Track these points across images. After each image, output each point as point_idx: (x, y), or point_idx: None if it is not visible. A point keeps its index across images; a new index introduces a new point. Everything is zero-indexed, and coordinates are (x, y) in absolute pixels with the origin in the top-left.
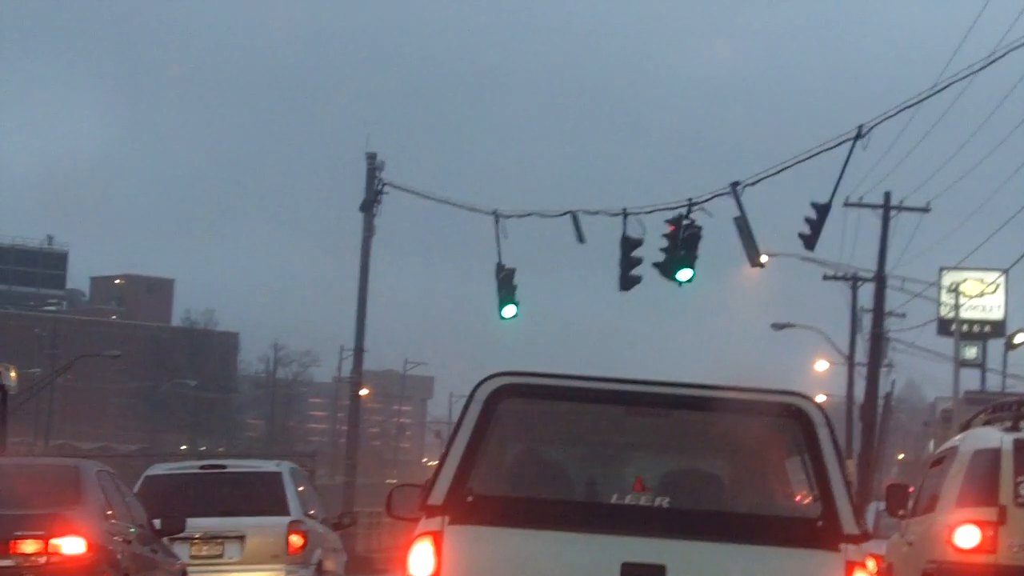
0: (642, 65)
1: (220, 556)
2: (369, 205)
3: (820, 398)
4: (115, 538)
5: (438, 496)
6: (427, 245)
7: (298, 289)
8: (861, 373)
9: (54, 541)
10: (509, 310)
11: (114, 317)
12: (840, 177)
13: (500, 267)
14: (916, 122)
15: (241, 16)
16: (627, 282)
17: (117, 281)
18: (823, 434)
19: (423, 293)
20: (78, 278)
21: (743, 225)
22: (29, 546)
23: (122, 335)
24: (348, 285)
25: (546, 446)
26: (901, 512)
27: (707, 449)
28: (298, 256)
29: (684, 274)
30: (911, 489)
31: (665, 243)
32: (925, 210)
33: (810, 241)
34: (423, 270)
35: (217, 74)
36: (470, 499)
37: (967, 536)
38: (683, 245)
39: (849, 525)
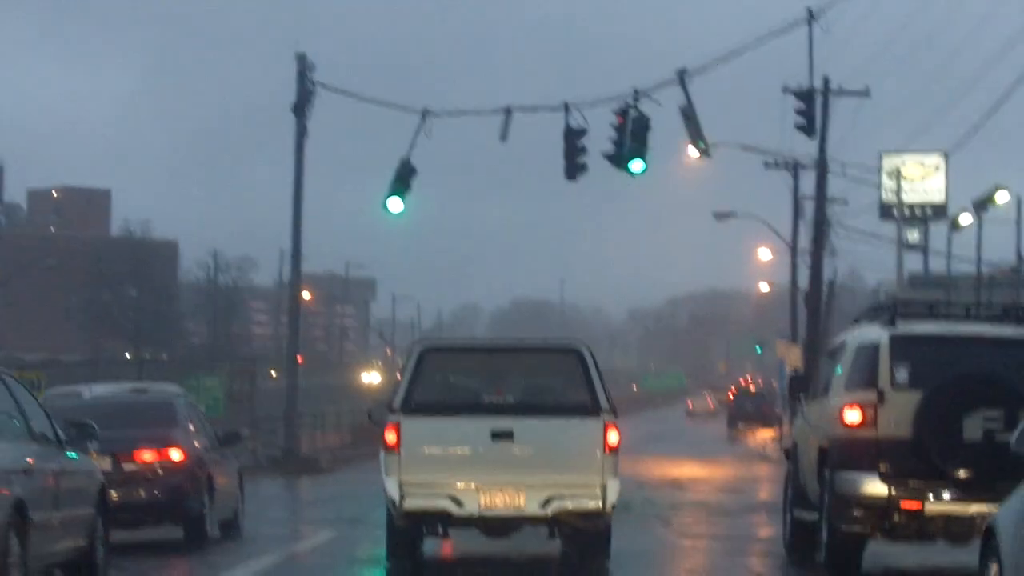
0: None
1: None
2: (301, 107)
3: (763, 286)
4: (198, 447)
5: (396, 404)
6: (363, 147)
7: (236, 195)
8: (805, 261)
9: (164, 451)
10: (395, 203)
11: (52, 229)
12: (811, 58)
13: (404, 162)
14: (856, 5)
15: None
16: (573, 171)
17: (54, 193)
18: (589, 362)
19: (364, 196)
20: (15, 191)
21: (690, 113)
22: (148, 455)
23: (61, 247)
24: (286, 189)
25: (451, 375)
26: (801, 395)
27: (534, 372)
28: (234, 162)
29: (636, 165)
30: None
31: (613, 135)
32: (864, 94)
33: (809, 128)
34: (362, 172)
35: None
36: (412, 405)
37: (853, 415)
38: (633, 136)
39: (605, 406)
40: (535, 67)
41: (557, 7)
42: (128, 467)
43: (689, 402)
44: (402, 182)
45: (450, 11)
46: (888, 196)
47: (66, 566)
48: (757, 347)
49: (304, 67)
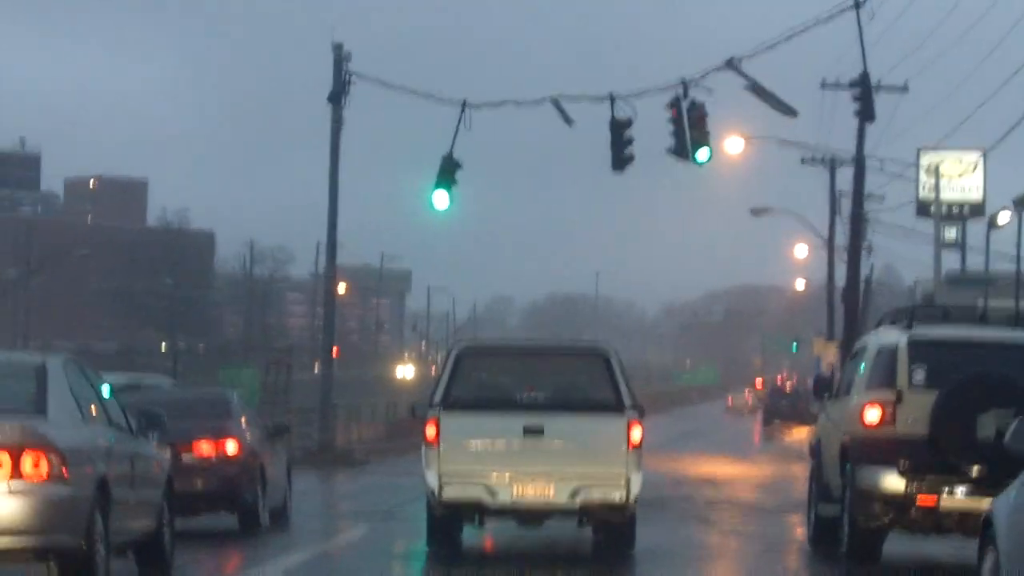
0: None
1: None
2: (337, 96)
3: (799, 283)
4: (251, 440)
5: (436, 400)
6: (401, 137)
7: (273, 185)
8: (841, 257)
9: (221, 443)
10: (440, 199)
11: (89, 219)
12: (862, 47)
13: (447, 157)
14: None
15: None
16: (619, 162)
17: (91, 183)
18: (614, 363)
19: (401, 187)
20: (52, 180)
21: (760, 89)
22: (206, 447)
23: (97, 236)
24: (323, 180)
25: (486, 374)
26: (826, 395)
27: (563, 373)
28: (273, 152)
29: (703, 153)
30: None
31: (667, 127)
32: (903, 89)
33: (868, 113)
34: (399, 163)
35: None
36: (451, 401)
37: (873, 413)
38: (693, 124)
39: (628, 404)
40: (572, 60)
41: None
42: (187, 458)
43: (729, 398)
44: (446, 177)
45: (488, 3)
46: (925, 193)
47: (137, 546)
48: (793, 344)
49: (340, 56)
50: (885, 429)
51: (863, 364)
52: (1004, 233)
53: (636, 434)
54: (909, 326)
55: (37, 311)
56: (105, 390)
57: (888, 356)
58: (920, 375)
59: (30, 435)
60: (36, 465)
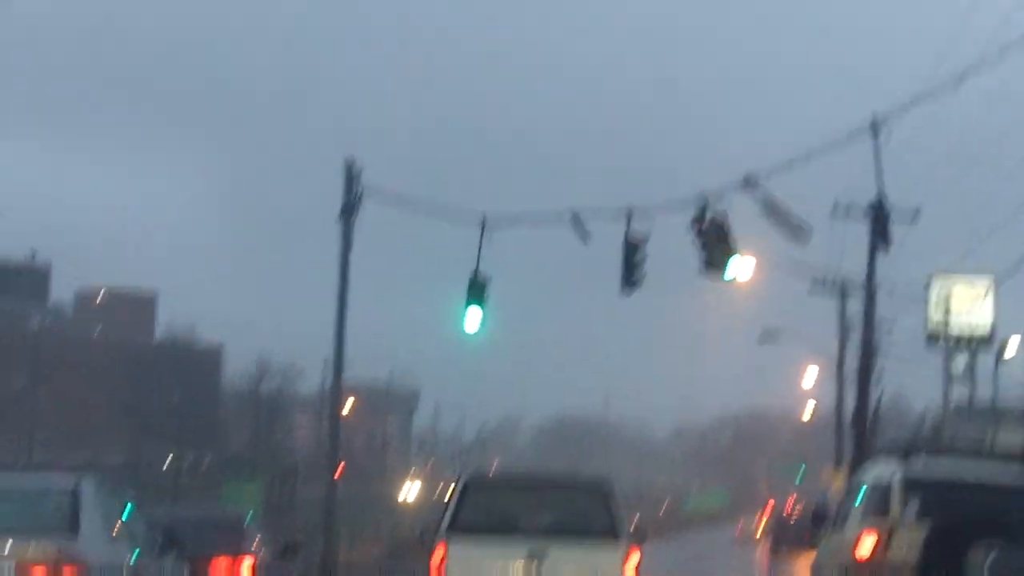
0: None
1: None
2: (348, 212)
3: (808, 407)
4: (263, 558)
5: (444, 527)
6: (412, 254)
7: (282, 301)
8: (850, 380)
9: (238, 562)
10: (472, 321)
11: (97, 331)
12: (878, 172)
13: (476, 275)
14: (907, 124)
15: (214, 18)
16: (629, 284)
17: (100, 296)
18: (612, 495)
19: (410, 303)
20: (61, 293)
21: (774, 208)
22: (223, 564)
23: (105, 350)
24: (331, 296)
25: (493, 502)
26: (824, 525)
27: (565, 502)
28: (282, 267)
29: (732, 269)
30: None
31: (694, 245)
32: (915, 214)
33: (885, 240)
34: (409, 280)
35: (183, 82)
36: (458, 525)
37: (867, 545)
38: (720, 239)
39: (623, 533)
40: (588, 177)
41: (608, 117)
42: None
43: (739, 526)
44: (477, 297)
45: (504, 118)
46: (935, 323)
47: None
48: (799, 472)
49: (352, 171)
50: (879, 561)
51: (859, 497)
52: (1016, 363)
53: (634, 561)
54: (904, 461)
55: (44, 423)
56: (132, 507)
57: (883, 489)
58: (913, 509)
59: (65, 553)
60: None
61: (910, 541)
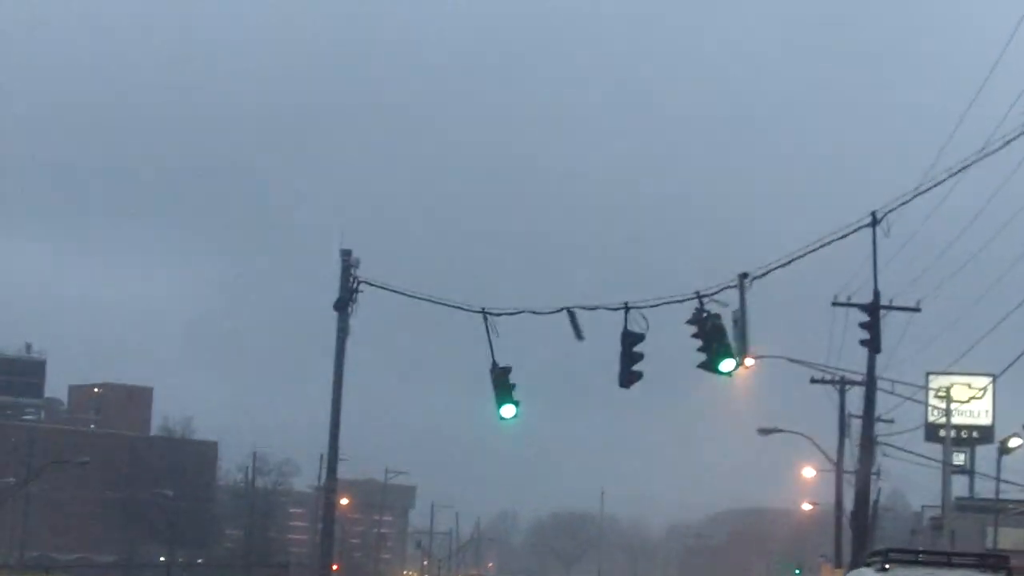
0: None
1: None
2: (344, 304)
3: (806, 506)
4: None
5: None
6: (408, 348)
7: (278, 396)
8: (849, 480)
9: None
10: (508, 410)
11: (92, 426)
12: (875, 268)
13: (495, 366)
14: (907, 215)
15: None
16: (628, 378)
17: (96, 390)
18: None
19: (405, 399)
20: (56, 387)
21: (741, 320)
22: None
23: (100, 444)
24: (327, 390)
25: None
26: None
27: None
28: (278, 362)
29: (727, 364)
30: None
31: (695, 341)
32: (915, 310)
33: (873, 344)
34: (405, 374)
35: (175, 173)
36: None
37: None
38: (713, 337)
39: None
40: (586, 271)
41: (607, 211)
42: None
43: None
44: (503, 386)
45: (498, 213)
46: (935, 417)
47: None
48: (797, 571)
49: (348, 263)
50: None
51: None
52: (1013, 459)
53: None
54: (883, 568)
55: (37, 519)
56: None
57: None
58: None
59: None
60: None
61: None
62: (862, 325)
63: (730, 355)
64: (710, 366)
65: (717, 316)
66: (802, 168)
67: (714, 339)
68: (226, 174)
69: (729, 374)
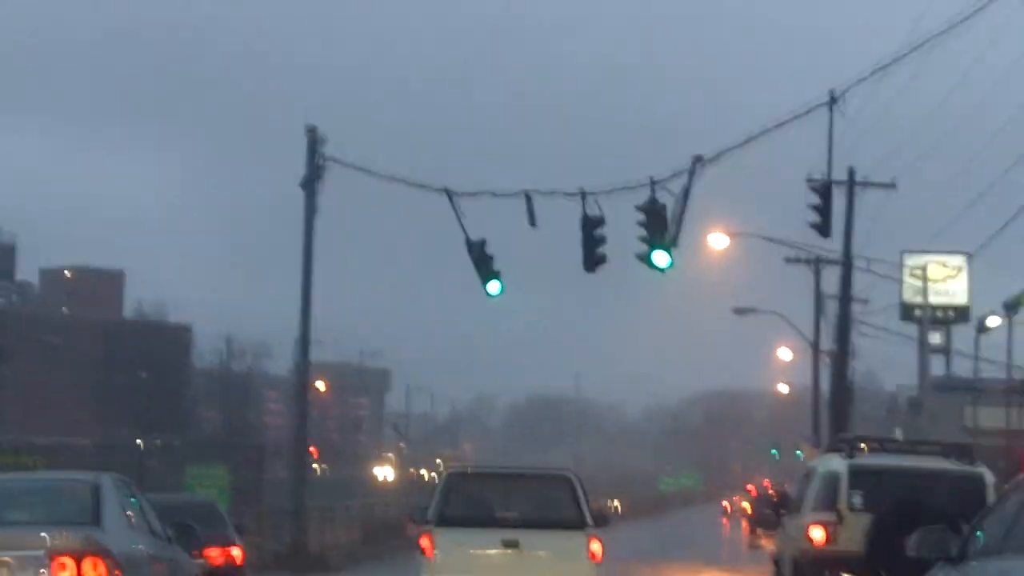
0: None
1: None
2: (311, 182)
3: (782, 387)
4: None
5: (431, 516)
6: (378, 227)
7: (252, 278)
8: (825, 361)
9: (228, 551)
10: (493, 286)
11: (64, 309)
12: (830, 147)
13: (469, 243)
14: (879, 94)
15: None
16: (591, 262)
17: (67, 273)
18: (577, 487)
19: (379, 279)
20: (27, 270)
21: (681, 203)
22: (215, 553)
23: (73, 328)
24: (300, 273)
25: (472, 493)
26: (782, 513)
27: (535, 493)
28: (252, 244)
29: (659, 258)
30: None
31: (638, 228)
32: (890, 186)
33: (823, 228)
34: (376, 254)
35: (144, 59)
36: (442, 516)
37: (817, 532)
38: (652, 227)
39: (587, 521)
40: (553, 152)
41: (575, 93)
42: (202, 563)
43: (726, 503)
44: (484, 262)
45: (466, 91)
46: (910, 297)
47: None
48: (774, 451)
49: (314, 139)
50: (828, 546)
51: (810, 486)
52: (990, 338)
53: (595, 546)
54: (851, 455)
55: (11, 403)
56: (146, 502)
57: (831, 481)
58: (858, 499)
59: (90, 543)
60: (95, 568)
61: (857, 528)
62: (814, 207)
63: (665, 249)
64: (645, 259)
65: (663, 206)
66: (777, 43)
67: (653, 230)
68: (193, 57)
69: (662, 270)
